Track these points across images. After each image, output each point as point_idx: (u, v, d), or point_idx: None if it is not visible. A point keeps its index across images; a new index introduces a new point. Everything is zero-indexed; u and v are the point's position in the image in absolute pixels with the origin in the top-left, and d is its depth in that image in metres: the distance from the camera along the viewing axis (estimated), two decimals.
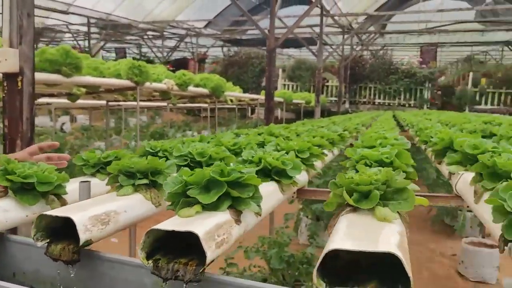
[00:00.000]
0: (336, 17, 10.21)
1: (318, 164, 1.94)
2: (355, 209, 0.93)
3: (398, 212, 0.96)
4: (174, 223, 0.88)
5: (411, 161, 1.31)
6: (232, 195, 0.98)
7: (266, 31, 6.12)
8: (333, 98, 14.96)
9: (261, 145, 2.00)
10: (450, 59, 20.05)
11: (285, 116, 15.02)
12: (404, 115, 7.76)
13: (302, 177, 1.55)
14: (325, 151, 2.19)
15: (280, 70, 16.03)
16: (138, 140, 5.17)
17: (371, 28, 13.87)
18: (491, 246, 4.69)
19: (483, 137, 2.57)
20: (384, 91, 14.70)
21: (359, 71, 14.79)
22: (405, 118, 6.00)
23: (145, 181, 1.23)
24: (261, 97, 8.59)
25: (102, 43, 13.02)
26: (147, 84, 4.85)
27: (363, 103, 15.04)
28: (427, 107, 14.19)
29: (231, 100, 7.93)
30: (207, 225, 0.86)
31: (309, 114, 12.43)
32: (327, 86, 15.32)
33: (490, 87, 14.05)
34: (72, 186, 1.15)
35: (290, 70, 15.64)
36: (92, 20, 11.80)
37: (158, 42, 15.53)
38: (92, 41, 12.56)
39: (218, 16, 13.76)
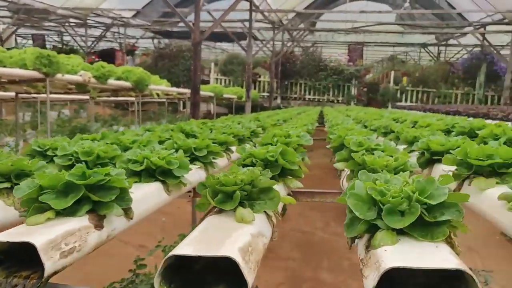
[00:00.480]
0: (266, 13, 10.30)
1: (221, 162, 1.91)
2: (220, 211, 0.91)
3: (266, 212, 0.96)
4: (13, 233, 0.80)
5: (296, 159, 1.32)
6: (93, 199, 0.91)
7: (192, 24, 5.99)
8: (266, 94, 15.16)
9: (163, 142, 1.93)
10: (376, 58, 21.28)
11: (218, 110, 14.94)
12: (329, 111, 8.07)
13: (195, 176, 1.51)
14: (233, 148, 2.18)
15: (213, 64, 15.88)
16: (49, 137, 4.79)
17: (302, 26, 14.25)
18: None
19: (384, 133, 2.72)
20: (314, 87, 15.20)
21: (290, 67, 15.12)
22: (327, 114, 6.23)
23: (6, 184, 1.12)
24: (190, 91, 8.40)
25: (14, 28, 11.91)
26: (59, 76, 4.51)
27: (294, 98, 15.42)
28: (354, 103, 14.92)
29: (158, 94, 7.67)
30: (53, 233, 0.78)
31: (242, 109, 12.46)
32: (259, 82, 15.49)
33: (409, 85, 15.13)
34: None
35: (222, 65, 15.56)
36: (2, 3, 10.75)
37: (82, 31, 14.58)
38: (3, 26, 11.44)
39: (148, 6, 13.25)
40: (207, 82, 15.75)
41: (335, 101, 15.06)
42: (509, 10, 10.72)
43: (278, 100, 15.16)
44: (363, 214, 0.72)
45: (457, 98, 14.90)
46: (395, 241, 0.66)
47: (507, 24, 12.07)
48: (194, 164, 1.64)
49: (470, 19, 13.67)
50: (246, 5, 9.19)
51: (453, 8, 13.75)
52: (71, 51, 17.65)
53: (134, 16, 13.55)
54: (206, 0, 13.69)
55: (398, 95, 15.01)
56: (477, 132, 1.93)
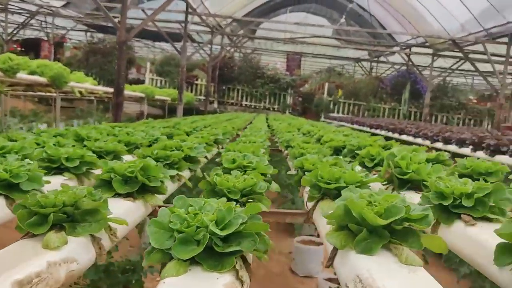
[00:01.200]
0: (203, 17, 10.22)
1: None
2: (33, 235, 0.83)
3: (92, 235, 0.90)
4: None
5: (159, 175, 1.28)
6: None
7: (118, 22, 5.75)
8: (203, 97, 15.02)
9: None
10: (314, 68, 22.03)
11: (151, 112, 14.52)
12: (260, 119, 8.16)
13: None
14: (125, 157, 2.08)
15: (149, 64, 15.44)
16: None
17: (241, 32, 14.34)
18: (318, 244, 5.20)
19: (286, 147, 2.76)
20: (251, 94, 15.35)
21: (228, 72, 15.15)
22: (274, 125, 6.28)
23: None
24: None
25: None
26: None
27: (231, 104, 15.45)
28: (289, 112, 15.28)
29: (80, 92, 7.26)
30: None
31: (176, 111, 12.23)
32: (197, 85, 15.33)
33: (342, 98, 15.82)
34: None
35: (159, 65, 15.18)
36: None
37: (2, 16, 13.43)
38: None
39: None
40: (143, 82, 15.26)
41: (271, 109, 15.32)
42: (429, 35, 11.61)
43: (215, 105, 15.09)
44: (160, 243, 0.69)
45: (385, 112, 15.84)
46: (182, 272, 0.64)
47: (428, 47, 13.07)
48: (63, 176, 1.54)
49: (398, 40, 14.62)
50: (184, 5, 9.05)
51: (384, 28, 14.62)
52: None
53: (64, 6, 12.76)
54: None
55: (332, 106, 15.63)
56: (357, 152, 2.02)
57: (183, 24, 10.74)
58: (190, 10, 9.05)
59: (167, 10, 10.01)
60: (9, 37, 13.96)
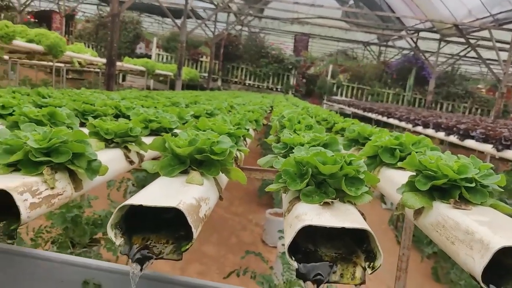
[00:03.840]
0: None
1: None
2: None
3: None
4: None
5: (67, 120, 1.50)
6: None
7: None
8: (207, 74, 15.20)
9: None
10: (324, 51, 21.87)
11: (157, 86, 14.80)
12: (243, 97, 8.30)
13: None
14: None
15: (155, 39, 15.63)
16: None
17: (248, 10, 14.34)
18: (280, 215, 5.44)
19: None
20: (255, 73, 15.44)
21: (233, 51, 15.23)
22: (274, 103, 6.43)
23: None
24: (118, 63, 8.31)
25: None
26: None
27: (234, 82, 15.59)
28: (292, 93, 15.35)
29: (80, 63, 7.52)
30: None
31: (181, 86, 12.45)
32: (202, 62, 15.48)
33: (346, 81, 15.80)
34: None
35: (165, 41, 15.36)
36: None
37: None
38: None
39: None
40: (150, 57, 15.50)
41: (274, 89, 15.41)
42: (437, 19, 11.47)
43: (219, 83, 15.26)
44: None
45: (389, 97, 15.78)
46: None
47: (435, 32, 12.91)
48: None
49: (406, 24, 14.44)
50: None
51: (393, 11, 14.43)
52: (6, 7, 16.58)
53: None
54: None
55: (335, 89, 15.63)
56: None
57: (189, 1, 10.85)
58: None
59: None
60: (22, 8, 14.30)
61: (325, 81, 15.40)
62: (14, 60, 10.16)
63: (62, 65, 10.12)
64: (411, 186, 0.94)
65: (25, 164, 0.91)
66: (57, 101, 2.24)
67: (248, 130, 1.86)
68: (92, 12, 18.09)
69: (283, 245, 4.41)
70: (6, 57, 7.28)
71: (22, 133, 0.97)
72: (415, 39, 14.17)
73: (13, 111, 1.79)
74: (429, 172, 0.91)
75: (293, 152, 1.28)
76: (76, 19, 16.68)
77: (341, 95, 15.88)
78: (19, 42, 5.45)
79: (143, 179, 5.11)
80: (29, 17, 14.20)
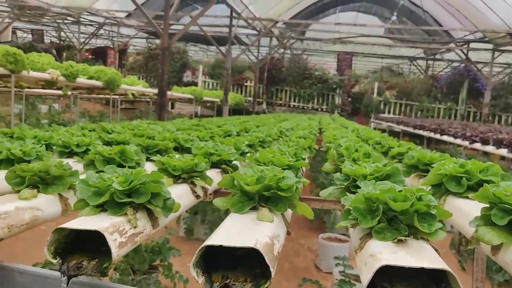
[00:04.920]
0: (250, 20, 10.62)
1: None
2: (17, 191, 1.19)
3: (60, 194, 1.24)
4: None
5: (134, 157, 1.61)
6: None
7: (161, 29, 6.29)
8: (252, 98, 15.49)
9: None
10: (368, 68, 21.59)
11: (204, 113, 15.26)
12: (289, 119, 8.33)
13: None
14: None
15: (201, 66, 16.22)
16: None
17: (290, 34, 14.57)
18: (343, 241, 5.31)
19: None
20: (299, 95, 15.51)
21: (276, 74, 15.44)
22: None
23: None
24: (168, 93, 8.69)
25: (8, 21, 12.26)
26: (24, 72, 4.81)
27: (279, 105, 15.74)
28: (338, 113, 15.22)
29: (133, 94, 7.97)
30: None
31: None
32: (246, 86, 15.81)
33: (393, 98, 15.43)
34: None
35: (210, 68, 15.90)
36: None
37: (76, 28, 14.95)
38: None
39: (139, 9, 13.57)
40: (196, 84, 16.09)
41: (319, 110, 15.36)
42: (488, 29, 11.02)
43: (264, 106, 15.47)
44: (83, 195, 1.01)
45: (440, 112, 15.18)
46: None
47: (487, 42, 12.37)
48: (73, 159, 1.94)
49: (454, 36, 13.97)
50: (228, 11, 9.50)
51: (439, 24, 14.05)
52: (68, 47, 18.05)
53: (128, 16, 13.90)
54: (200, 4, 14.03)
55: (382, 106, 15.30)
56: None
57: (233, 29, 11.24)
58: (234, 14, 9.48)
59: (213, 16, 10.59)
60: (81, 46, 15.50)
61: (371, 99, 15.14)
62: (75, 95, 10.99)
63: (116, 96, 10.76)
64: (486, 219, 0.92)
65: (111, 205, 1.00)
66: (121, 136, 2.40)
67: (304, 159, 1.89)
68: (142, 45, 19.20)
69: (339, 272, 4.31)
70: (69, 92, 7.88)
71: (106, 175, 1.06)
72: (465, 51, 13.64)
73: (87, 149, 1.94)
74: (506, 205, 0.88)
75: (356, 184, 1.29)
76: (128, 53, 17.78)
77: (389, 112, 15.51)
78: (81, 80, 5.90)
79: (196, 205, 5.25)
80: (87, 54, 15.33)
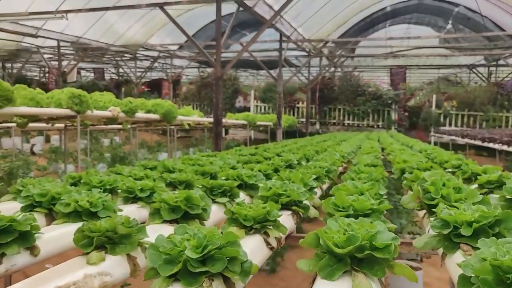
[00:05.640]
0: (299, 42, 10.58)
1: None
2: (85, 254, 1.13)
3: (128, 254, 1.16)
4: None
5: (200, 203, 1.52)
6: None
7: (213, 59, 6.39)
8: (305, 119, 15.29)
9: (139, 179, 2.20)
10: (423, 79, 20.66)
11: (257, 136, 15.29)
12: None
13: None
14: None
15: (253, 91, 16.38)
16: (79, 165, 5.32)
17: (340, 52, 14.34)
18: (416, 269, 4.89)
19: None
20: (353, 112, 15.09)
21: (328, 93, 15.18)
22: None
23: None
24: (223, 120, 8.78)
25: (73, 63, 13.24)
26: (89, 112, 5.05)
27: (333, 124, 15.39)
28: (395, 128, 14.58)
29: (189, 124, 8.14)
30: None
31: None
32: (299, 108, 15.68)
33: (453, 109, 14.52)
34: None
35: (262, 92, 16.00)
36: (66, 44, 12.07)
37: (133, 63, 15.82)
38: (65, 62, 12.79)
39: (189, 41, 14.12)
40: (249, 109, 16.25)
41: (375, 126, 14.81)
42: None
43: (317, 126, 15.21)
44: (154, 263, 0.91)
45: (508, 122, 14.01)
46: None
47: None
48: (137, 204, 1.90)
49: None
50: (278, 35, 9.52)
51: (501, 29, 13.14)
52: (126, 81, 19.13)
53: (180, 47, 14.48)
54: (248, 30, 14.32)
55: (442, 119, 14.44)
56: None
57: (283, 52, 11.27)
58: (284, 38, 9.49)
59: (262, 41, 10.68)
60: (138, 80, 16.36)
61: (430, 112, 14.36)
62: (133, 127, 11.49)
63: (173, 126, 11.09)
64: None
65: (185, 275, 0.89)
66: (183, 175, 2.34)
67: (383, 195, 1.70)
68: (194, 74, 19.88)
69: None
70: (128, 126, 8.20)
71: (177, 237, 0.97)
72: None
73: (151, 193, 1.90)
74: None
75: (459, 233, 1.09)
76: (181, 83, 18.46)
77: (449, 125, 14.59)
78: (140, 114, 6.10)
79: None
80: (143, 87, 16.12)
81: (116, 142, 15.36)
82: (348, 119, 15.34)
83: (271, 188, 1.67)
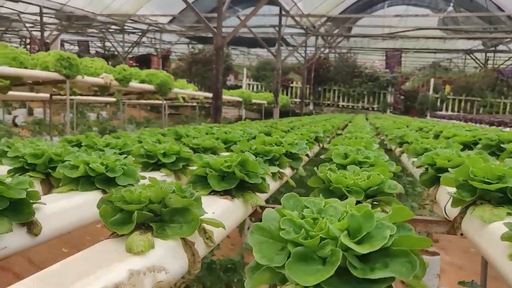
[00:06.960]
0: (297, 18, 10.06)
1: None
2: (117, 235, 0.71)
3: (183, 238, 0.75)
4: None
5: (259, 170, 1.11)
6: None
7: (215, 29, 5.89)
8: (298, 99, 14.88)
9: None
10: (416, 65, 20.42)
11: (248, 116, 14.84)
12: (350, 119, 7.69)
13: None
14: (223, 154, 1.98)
15: (245, 70, 15.81)
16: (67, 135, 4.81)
17: (336, 31, 13.87)
18: (433, 254, 4.62)
19: (400, 144, 2.43)
20: (348, 94, 14.73)
21: (324, 73, 14.75)
22: (376, 123, 5.92)
23: None
24: None
25: (56, 33, 12.40)
26: (79, 77, 4.52)
27: (327, 105, 15.02)
28: (390, 111, 14.32)
29: (184, 98, 7.64)
30: None
31: (272, 114, 12.29)
32: (292, 87, 15.22)
33: (451, 94, 14.32)
34: None
35: (255, 70, 15.46)
36: (50, 11, 11.25)
37: (120, 37, 15.02)
38: (47, 32, 11.97)
39: (183, 12, 13.41)
40: (240, 87, 15.72)
41: (370, 109, 14.51)
42: None
43: (311, 107, 14.82)
44: (268, 259, 0.50)
45: (506, 108, 13.90)
46: None
47: None
48: (160, 172, 1.47)
49: None
50: (277, 10, 9.01)
51: (502, 10, 12.88)
52: (112, 56, 18.28)
53: (170, 22, 13.76)
54: (241, 7, 13.69)
55: (438, 103, 14.23)
56: (504, 146, 1.62)
57: (277, 28, 10.76)
58: (283, 12, 8.97)
59: (261, 14, 10.13)
60: (125, 55, 15.59)
61: (427, 96, 14.12)
62: (123, 101, 10.88)
63: (164, 102, 10.54)
64: None
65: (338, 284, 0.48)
66: (207, 142, 1.93)
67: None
68: (184, 51, 19.12)
69: None
70: (121, 97, 7.64)
71: (297, 215, 0.56)
72: None
73: (177, 158, 1.47)
74: None
75: None
76: (170, 59, 17.72)
77: (446, 109, 14.41)
78: (134, 84, 5.59)
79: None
80: (131, 62, 15.37)
81: (103, 117, 14.68)
82: (343, 100, 14.97)
83: (347, 154, 1.26)
